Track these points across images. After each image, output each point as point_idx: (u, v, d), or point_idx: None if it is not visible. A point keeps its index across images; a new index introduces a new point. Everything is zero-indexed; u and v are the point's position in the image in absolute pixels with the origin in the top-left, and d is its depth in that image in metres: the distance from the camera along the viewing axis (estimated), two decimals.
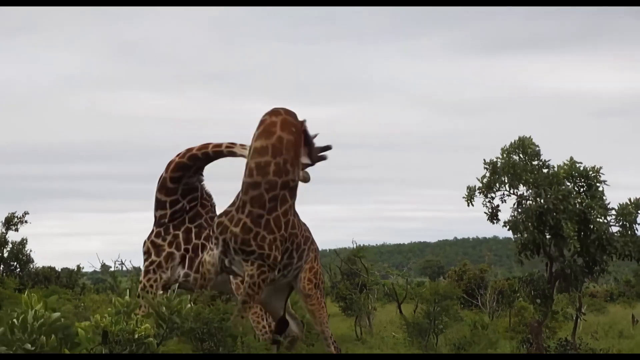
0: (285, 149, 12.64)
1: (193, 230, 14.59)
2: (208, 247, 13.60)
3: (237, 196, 13.08)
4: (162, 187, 14.48)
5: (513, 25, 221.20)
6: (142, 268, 14.66)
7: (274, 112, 12.80)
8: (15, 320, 9.61)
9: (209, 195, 15.07)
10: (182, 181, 14.47)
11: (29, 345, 9.42)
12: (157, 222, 14.65)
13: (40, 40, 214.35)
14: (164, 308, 10.57)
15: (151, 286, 14.27)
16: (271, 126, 12.66)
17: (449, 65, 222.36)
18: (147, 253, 14.55)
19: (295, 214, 13.60)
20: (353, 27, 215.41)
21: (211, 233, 13.50)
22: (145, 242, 14.62)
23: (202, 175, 14.93)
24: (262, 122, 12.78)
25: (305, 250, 13.92)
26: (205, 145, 14.34)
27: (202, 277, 13.44)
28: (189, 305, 11.05)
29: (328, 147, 13.25)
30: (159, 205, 14.58)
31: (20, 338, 9.50)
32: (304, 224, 14.15)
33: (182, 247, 14.50)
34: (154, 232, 14.60)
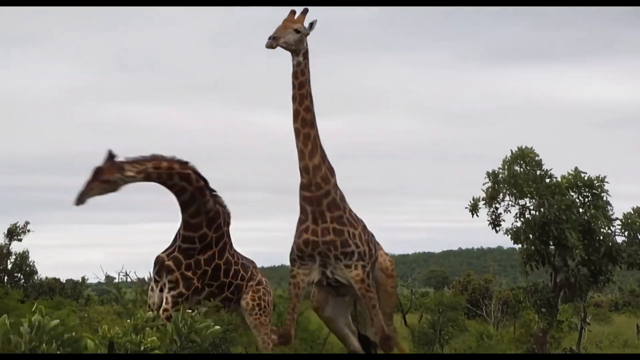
0: (323, 152, 13.40)
1: (222, 267, 14.20)
2: (297, 263, 13.64)
3: (303, 213, 13.38)
4: (186, 226, 13.83)
5: (517, 36, 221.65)
6: (169, 297, 14.04)
7: (305, 124, 13.24)
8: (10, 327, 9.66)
9: (229, 215, 14.35)
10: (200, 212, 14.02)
11: (22, 347, 9.43)
12: (186, 253, 13.94)
13: (41, 51, 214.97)
14: (184, 325, 10.53)
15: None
16: (314, 137, 13.27)
17: (452, 76, 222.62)
18: (174, 283, 13.91)
19: None
20: (355, 37, 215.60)
21: (298, 252, 13.45)
22: (173, 271, 14.01)
23: (215, 193, 14.13)
24: (306, 135, 13.22)
25: (375, 243, 14.31)
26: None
27: (294, 287, 13.55)
28: (215, 327, 10.99)
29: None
30: (188, 239, 13.93)
31: (17, 342, 9.51)
32: None
33: (208, 282, 14.14)
34: (184, 264, 13.90)
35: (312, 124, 13.26)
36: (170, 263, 13.99)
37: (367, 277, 13.37)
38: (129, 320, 10.36)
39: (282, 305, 20.17)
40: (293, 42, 13.01)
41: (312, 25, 13.17)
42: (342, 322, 14.70)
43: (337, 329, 14.85)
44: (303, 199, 13.34)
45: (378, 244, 14.55)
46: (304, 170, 13.25)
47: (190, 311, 11.29)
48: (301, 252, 13.41)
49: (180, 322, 10.68)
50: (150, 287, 14.45)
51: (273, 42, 12.89)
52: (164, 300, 13.98)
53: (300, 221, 13.42)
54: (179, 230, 14.09)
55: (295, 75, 13.19)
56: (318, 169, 13.19)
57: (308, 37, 13.16)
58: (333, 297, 14.30)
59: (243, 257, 14.65)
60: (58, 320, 9.85)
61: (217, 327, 11.05)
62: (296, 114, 13.23)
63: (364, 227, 13.98)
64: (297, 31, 12.98)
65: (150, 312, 10.66)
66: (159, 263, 14.07)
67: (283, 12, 13.21)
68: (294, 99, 13.22)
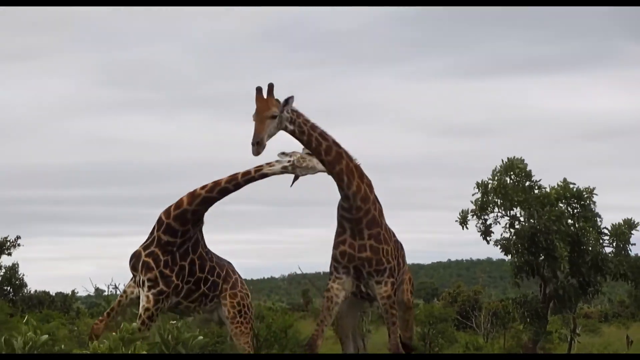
0: (360, 170, 13.43)
1: (197, 262, 14.20)
2: (333, 275, 13.68)
3: (341, 227, 13.42)
4: (180, 216, 13.72)
5: (512, 48, 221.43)
6: (149, 295, 13.92)
7: (340, 157, 13.26)
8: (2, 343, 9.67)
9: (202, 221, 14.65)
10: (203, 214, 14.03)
11: None
12: (164, 248, 13.80)
13: (29, 64, 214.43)
14: (170, 336, 10.54)
15: (157, 315, 13.88)
16: (347, 166, 13.25)
17: (447, 88, 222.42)
18: (153, 281, 13.80)
19: None
20: (349, 50, 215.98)
21: (334, 262, 13.52)
22: (152, 269, 13.87)
23: None
24: (339, 172, 13.26)
25: (404, 256, 14.46)
26: (234, 176, 13.73)
27: (328, 300, 13.61)
28: (199, 337, 10.99)
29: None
30: (170, 231, 13.79)
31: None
32: None
33: (186, 278, 14.12)
34: (162, 261, 13.76)
35: (338, 159, 13.30)
36: (148, 260, 13.85)
37: (394, 293, 13.51)
38: (114, 333, 10.32)
39: (272, 317, 20.18)
40: (275, 130, 12.74)
41: (287, 101, 12.93)
42: (350, 322, 14.83)
43: (343, 327, 14.93)
44: (342, 217, 13.42)
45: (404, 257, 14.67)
46: (345, 196, 13.35)
47: (174, 322, 11.30)
48: (337, 263, 13.50)
49: (165, 333, 10.69)
50: (131, 279, 14.37)
51: (258, 148, 12.48)
52: (145, 299, 13.77)
53: (338, 234, 13.51)
54: (161, 222, 13.97)
55: (300, 141, 13.10)
56: (357, 192, 13.28)
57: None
58: (352, 296, 14.42)
59: (217, 257, 14.68)
60: (47, 336, 9.88)
61: (201, 337, 11.07)
62: (323, 162, 13.37)
63: (396, 241, 14.15)
64: (273, 117, 12.65)
65: (135, 324, 10.57)
66: (135, 257, 13.95)
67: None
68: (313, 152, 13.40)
